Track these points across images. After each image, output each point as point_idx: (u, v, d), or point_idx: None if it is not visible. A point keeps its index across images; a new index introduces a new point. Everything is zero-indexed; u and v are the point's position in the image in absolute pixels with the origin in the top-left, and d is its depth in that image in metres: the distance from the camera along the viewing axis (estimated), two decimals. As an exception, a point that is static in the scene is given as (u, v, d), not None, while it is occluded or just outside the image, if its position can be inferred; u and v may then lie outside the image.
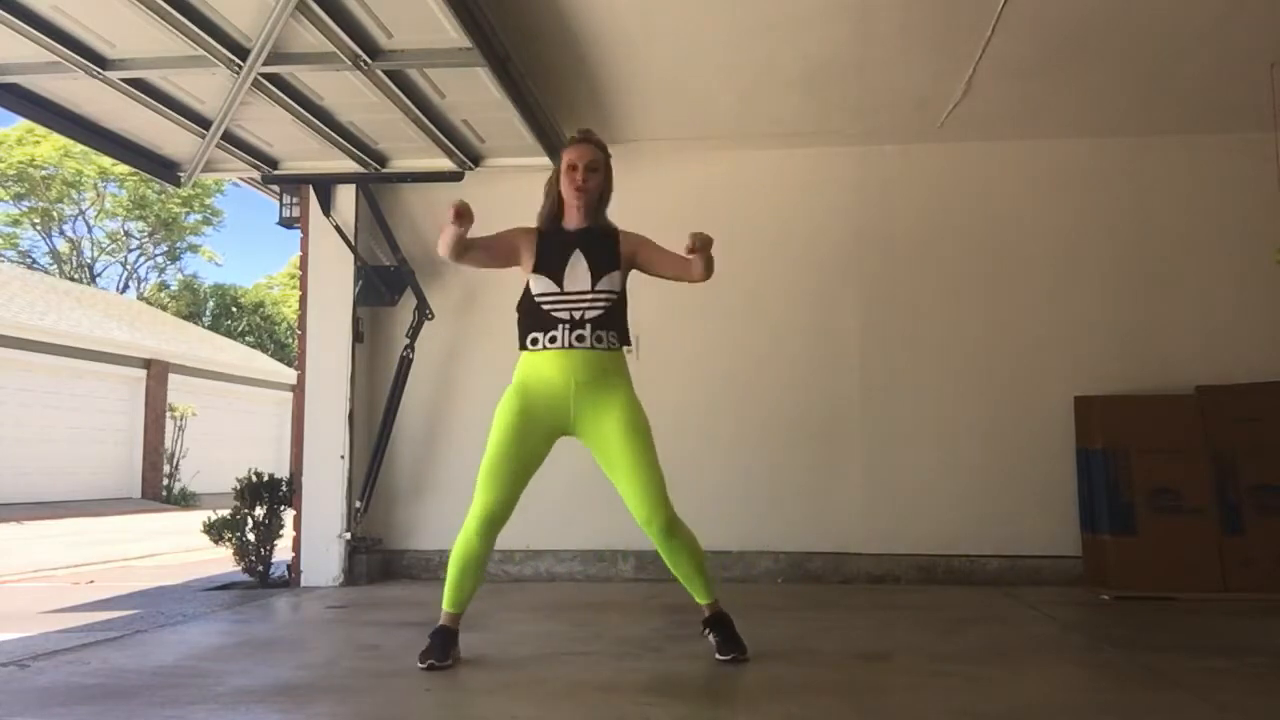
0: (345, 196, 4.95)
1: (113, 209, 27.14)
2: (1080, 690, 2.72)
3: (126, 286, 28.31)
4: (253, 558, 4.84)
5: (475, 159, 4.66)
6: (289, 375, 19.15)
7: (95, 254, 27.89)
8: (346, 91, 3.85)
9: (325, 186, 4.90)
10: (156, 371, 16.61)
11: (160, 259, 29.48)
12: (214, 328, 27.27)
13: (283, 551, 4.97)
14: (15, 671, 2.87)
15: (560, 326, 2.93)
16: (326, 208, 4.89)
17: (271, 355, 25.97)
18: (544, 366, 2.95)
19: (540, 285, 2.98)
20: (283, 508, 4.90)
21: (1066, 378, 4.81)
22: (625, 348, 3.04)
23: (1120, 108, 4.62)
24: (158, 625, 3.73)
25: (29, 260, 26.32)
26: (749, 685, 2.70)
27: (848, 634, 3.48)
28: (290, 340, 27.53)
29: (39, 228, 26.41)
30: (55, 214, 26.16)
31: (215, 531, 4.86)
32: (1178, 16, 3.76)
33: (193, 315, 28.25)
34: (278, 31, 3.32)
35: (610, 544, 4.92)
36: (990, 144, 4.98)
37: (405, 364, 4.96)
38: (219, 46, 3.39)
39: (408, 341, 4.97)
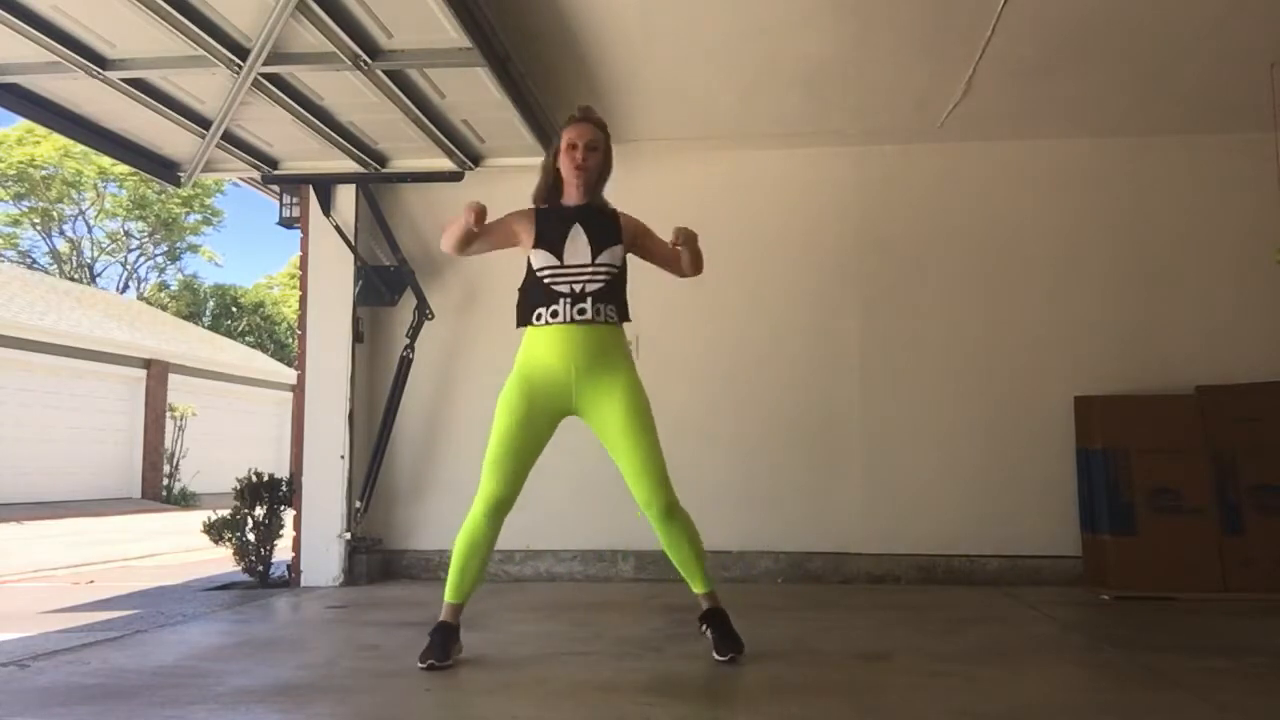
0: (345, 196, 4.95)
1: (113, 209, 27.15)
2: (1080, 690, 2.72)
3: (126, 286, 28.33)
4: (253, 558, 4.84)
5: (475, 159, 4.66)
6: (289, 375, 19.15)
7: (95, 254, 27.91)
8: (346, 91, 3.85)
9: (325, 186, 4.91)
10: (156, 371, 16.61)
11: (160, 259, 29.51)
12: (214, 328, 27.28)
13: (283, 551, 4.98)
14: (15, 671, 2.87)
15: (562, 300, 2.93)
16: (326, 208, 4.89)
17: (271, 355, 25.98)
18: (544, 349, 2.95)
19: (541, 259, 2.99)
20: (283, 508, 4.90)
21: (1066, 378, 4.81)
22: (625, 323, 3.05)
23: (1120, 108, 4.62)
24: (158, 625, 3.73)
25: (29, 260, 26.34)
26: (749, 685, 2.70)
27: (848, 634, 3.48)
28: (290, 340, 27.54)
29: (39, 228, 26.41)
30: (55, 214, 26.17)
31: (215, 531, 4.86)
32: (1178, 16, 3.76)
33: (193, 315, 28.26)
34: (278, 31, 3.32)
35: (610, 544, 4.92)
36: (990, 144, 4.98)
37: (405, 364, 4.96)
38: (219, 46, 3.39)
39: (408, 341, 4.97)
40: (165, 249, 29.13)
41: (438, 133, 4.26)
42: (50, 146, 23.22)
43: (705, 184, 5.09)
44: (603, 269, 2.97)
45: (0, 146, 23.72)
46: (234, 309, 30.02)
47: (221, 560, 5.58)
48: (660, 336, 4.82)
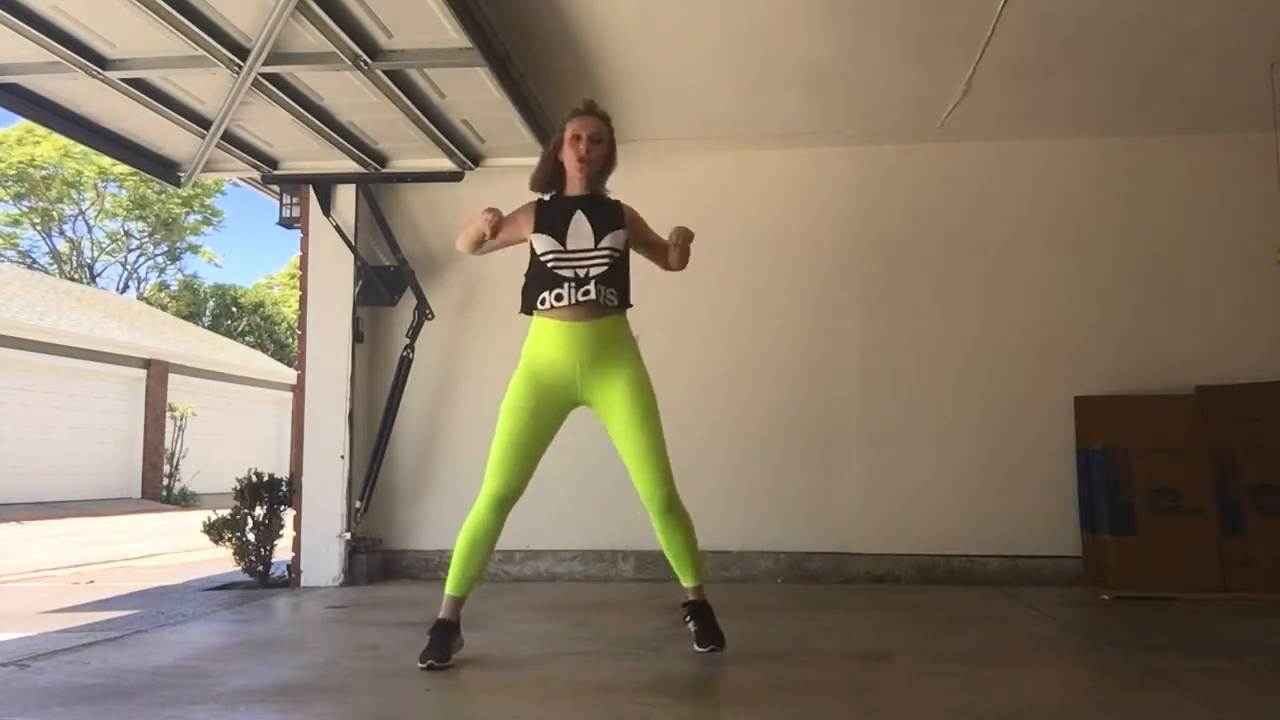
0: (345, 196, 4.95)
1: (113, 209, 27.15)
2: (1080, 690, 2.72)
3: (126, 286, 28.34)
4: (253, 558, 4.84)
5: (475, 159, 4.66)
6: (289, 375, 19.15)
7: (95, 254, 27.92)
8: (346, 91, 3.85)
9: (325, 186, 4.91)
10: (156, 371, 16.61)
11: (160, 259, 29.51)
12: (214, 328, 27.28)
13: (283, 551, 4.97)
14: (15, 671, 2.87)
15: (566, 284, 2.93)
16: (326, 208, 4.89)
17: (271, 355, 25.98)
18: (549, 344, 2.96)
19: (544, 244, 2.99)
20: (283, 508, 4.90)
21: (1066, 378, 4.81)
22: (628, 309, 3.06)
23: (1120, 108, 4.62)
24: (158, 625, 3.72)
25: (29, 260, 26.34)
26: (749, 685, 2.70)
27: (848, 634, 3.48)
28: (290, 340, 27.54)
29: (39, 228, 26.42)
30: (55, 214, 26.17)
31: (215, 531, 4.86)
32: (1178, 16, 3.76)
33: (193, 315, 28.26)
34: (278, 31, 3.33)
35: (610, 544, 4.92)
36: (990, 144, 4.98)
37: (405, 364, 4.96)
38: (219, 46, 3.39)
39: (408, 341, 4.97)
40: (165, 249, 29.14)
41: (438, 133, 4.26)
42: (50, 146, 23.22)
43: (705, 184, 5.09)
44: (605, 252, 2.98)
45: (0, 146, 23.71)
46: (234, 309, 30.03)
47: (221, 560, 5.58)
48: (661, 336, 4.78)
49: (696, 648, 3.00)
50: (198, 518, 5.73)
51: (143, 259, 28.92)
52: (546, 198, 3.13)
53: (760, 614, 3.89)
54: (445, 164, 4.63)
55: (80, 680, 2.75)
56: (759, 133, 4.96)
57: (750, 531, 4.87)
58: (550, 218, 3.04)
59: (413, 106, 3.97)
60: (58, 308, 16.29)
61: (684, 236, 3.02)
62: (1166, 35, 3.91)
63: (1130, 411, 4.59)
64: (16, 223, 25.97)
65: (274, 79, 3.72)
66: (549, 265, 2.97)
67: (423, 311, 4.97)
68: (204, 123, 4.10)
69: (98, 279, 27.62)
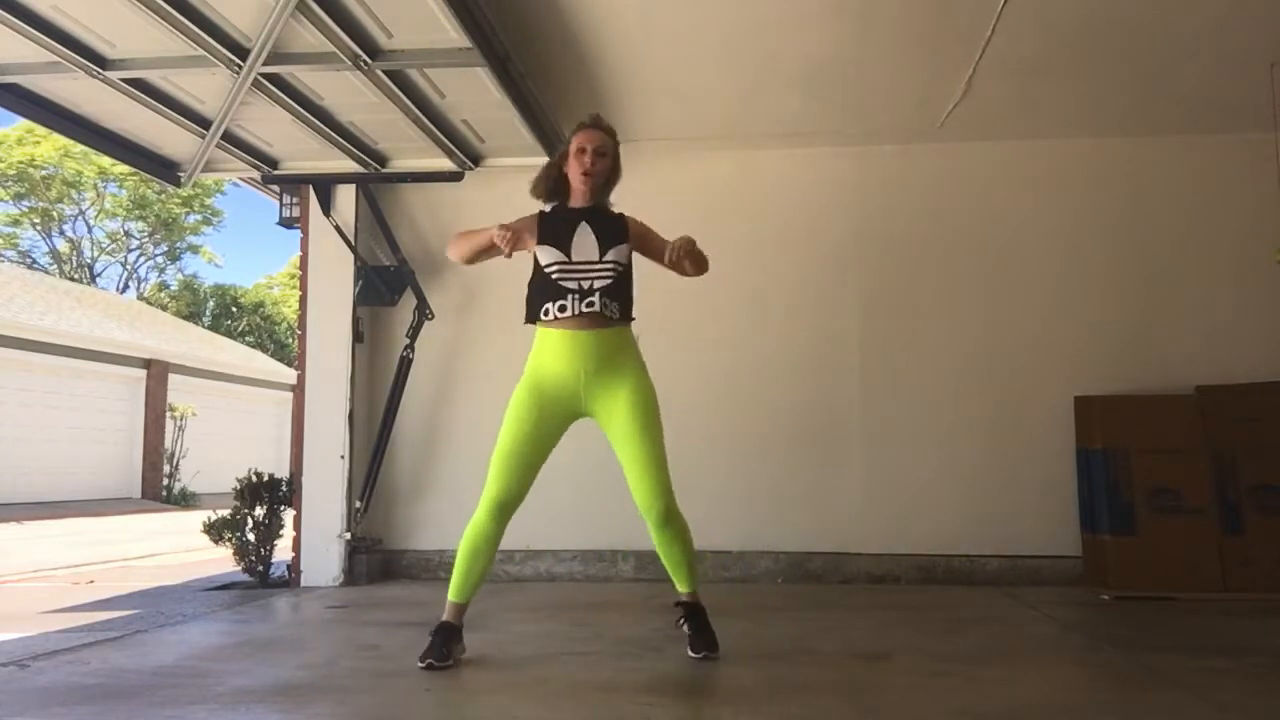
0: (345, 196, 4.95)
1: (113, 209, 27.16)
2: (1080, 690, 2.72)
3: (126, 286, 28.34)
4: (253, 558, 4.84)
5: (475, 159, 4.66)
6: (289, 375, 19.15)
7: (95, 254, 27.92)
8: (346, 91, 3.85)
9: (325, 186, 4.91)
10: (156, 371, 16.61)
11: (160, 259, 29.51)
12: (214, 328, 27.28)
13: (283, 551, 4.98)
14: (15, 671, 2.87)
15: (569, 296, 2.94)
16: (326, 208, 4.89)
17: (271, 355, 25.98)
18: (553, 355, 2.96)
19: (548, 256, 3.00)
20: (283, 508, 4.90)
21: (1066, 378, 4.81)
22: (632, 321, 3.06)
23: (1120, 108, 4.62)
24: (158, 625, 3.73)
25: (29, 260, 26.34)
26: (749, 685, 2.70)
27: (848, 634, 3.48)
28: (290, 340, 27.55)
29: (39, 228, 26.42)
30: (55, 214, 26.17)
31: (215, 531, 4.86)
32: (1178, 16, 3.76)
33: (193, 315, 28.26)
34: (278, 31, 3.32)
35: (610, 544, 4.92)
36: (990, 144, 4.98)
37: (405, 364, 4.96)
38: (219, 46, 3.39)
39: (408, 341, 4.97)
40: (165, 249, 29.14)
41: (438, 133, 4.26)
42: (50, 146, 23.22)
43: (705, 184, 5.09)
44: (609, 265, 2.98)
45: (0, 146, 23.71)
46: (234, 309, 30.03)
47: (221, 560, 5.58)
48: (661, 337, 4.78)
49: (690, 653, 3.00)
50: (198, 518, 5.73)
51: (143, 259, 28.95)
52: (548, 209, 3.13)
53: (760, 614, 3.89)
54: (445, 164, 4.62)
55: (80, 680, 2.75)
56: (759, 133, 4.96)
57: (750, 531, 4.87)
58: (554, 229, 3.04)
59: (413, 106, 3.97)
60: (58, 308, 16.30)
61: (680, 251, 2.97)
62: (1166, 35, 3.91)
63: (1130, 411, 4.59)
64: (16, 223, 25.98)
65: (274, 79, 3.72)
66: (553, 277, 2.97)
67: (423, 311, 4.97)
68: (204, 123, 4.10)
69: (98, 279, 27.65)
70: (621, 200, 3.22)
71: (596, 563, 4.95)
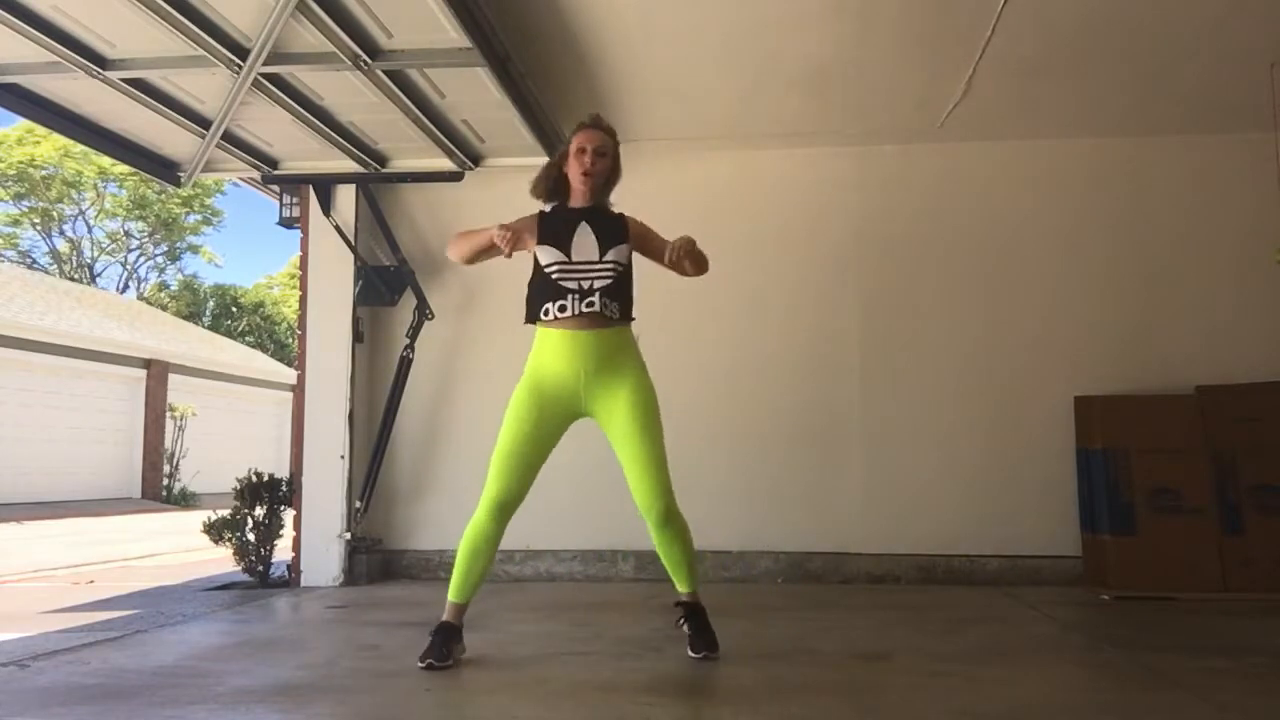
0: (345, 196, 4.95)
1: (113, 209, 27.16)
2: (1080, 690, 2.72)
3: (126, 286, 28.34)
4: (253, 558, 4.84)
5: (475, 159, 4.66)
6: (289, 375, 19.16)
7: (95, 254, 27.92)
8: (346, 91, 3.85)
9: (325, 186, 4.91)
10: (156, 371, 16.61)
11: (160, 259, 29.51)
12: (214, 328, 27.28)
13: (283, 551, 4.98)
14: (15, 671, 2.87)
15: (569, 296, 2.94)
16: (326, 208, 4.89)
17: (271, 355, 25.98)
18: (553, 354, 2.96)
19: (548, 256, 3.00)
20: (283, 508, 4.90)
21: (1066, 378, 4.81)
22: (631, 321, 3.06)
23: (1120, 108, 4.62)
24: (158, 625, 3.73)
25: (29, 260, 26.34)
26: (749, 685, 2.70)
27: (848, 634, 3.48)
28: (290, 340, 27.55)
29: (39, 228, 26.42)
30: (55, 214, 26.17)
31: (215, 531, 4.86)
32: (1178, 16, 3.76)
33: (193, 315, 28.26)
34: (278, 31, 3.32)
35: (610, 544, 4.92)
36: (990, 144, 4.98)
37: (405, 364, 4.96)
38: (219, 46, 3.39)
39: (408, 341, 4.97)
40: (165, 249, 29.14)
41: (438, 133, 4.26)
42: (50, 146, 23.22)
43: (705, 184, 5.09)
44: (609, 265, 2.98)
45: (0, 146, 23.71)
46: (234, 309, 30.03)
47: (221, 560, 5.58)
48: (661, 337, 4.78)
49: (690, 653, 3.00)
50: (198, 518, 5.73)
51: (143, 259, 28.95)
52: (548, 209, 3.13)
53: (760, 614, 3.89)
54: (445, 164, 4.62)
55: (80, 680, 2.75)
56: (759, 133, 4.96)
57: (750, 531, 4.87)
58: (554, 229, 3.04)
59: (413, 106, 3.97)
60: (58, 308, 16.30)
61: (680, 251, 2.96)
62: (1166, 35, 3.91)
63: (1130, 411, 4.59)
64: (16, 223, 25.98)
65: (274, 79, 3.72)
66: (553, 276, 2.97)
67: (423, 311, 4.97)
68: (204, 123, 4.10)
69: (98, 279, 27.65)
70: (621, 200, 3.22)
71: (596, 563, 4.95)
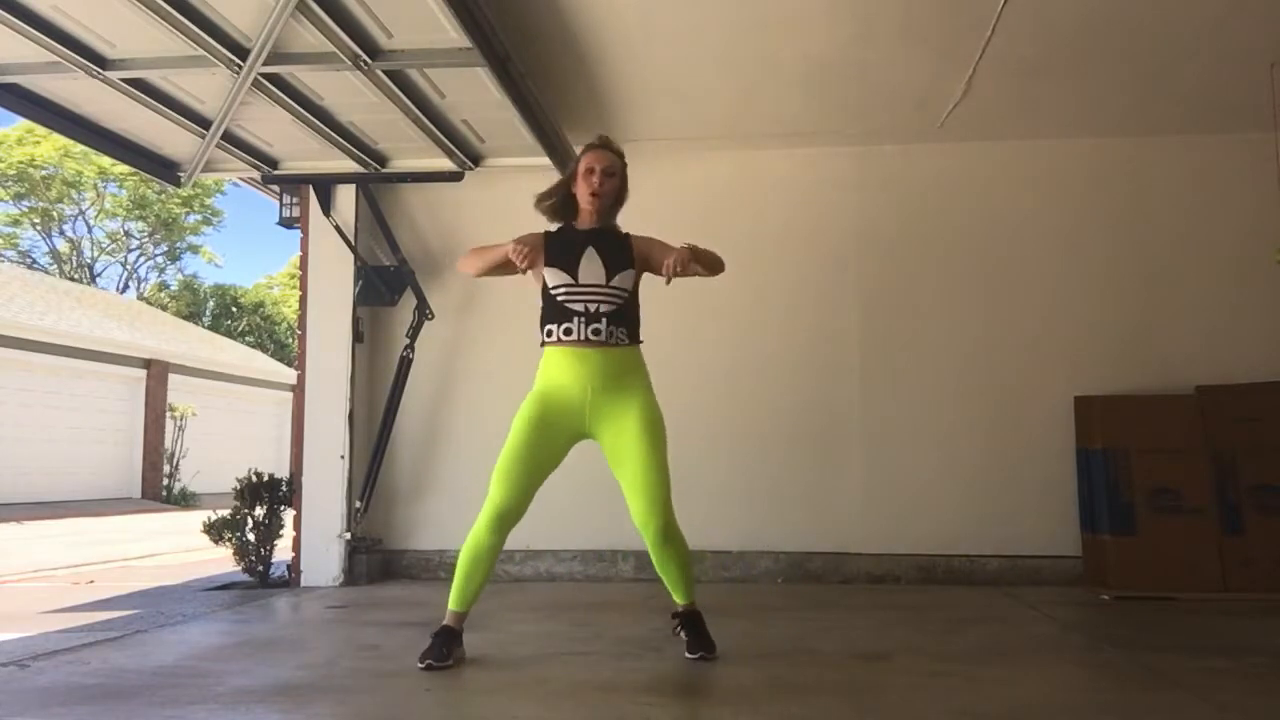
0: (345, 196, 4.95)
1: (113, 209, 27.15)
2: (1080, 690, 2.72)
3: (126, 286, 28.33)
4: (253, 558, 4.84)
5: (475, 159, 4.66)
6: (289, 375, 19.16)
7: (95, 254, 27.91)
8: (346, 91, 3.85)
9: (325, 186, 4.91)
10: (156, 371, 16.61)
11: (160, 259, 29.51)
12: (214, 328, 27.28)
13: (283, 551, 4.97)
14: (15, 671, 2.87)
15: (576, 319, 2.95)
16: (326, 208, 4.89)
17: (271, 355, 25.98)
18: (560, 371, 2.97)
19: (555, 278, 3.01)
20: (283, 508, 4.90)
21: (1066, 378, 4.81)
22: (639, 344, 3.06)
23: (1120, 108, 4.62)
24: (158, 625, 3.73)
25: (29, 260, 26.33)
26: (749, 685, 2.70)
27: (848, 634, 3.48)
28: (290, 340, 27.55)
29: (39, 228, 26.42)
30: (55, 214, 26.17)
31: (215, 531, 4.86)
32: (1178, 16, 3.76)
33: (193, 315, 28.26)
34: (278, 31, 3.32)
35: (610, 544, 4.92)
36: (990, 144, 4.98)
37: (405, 364, 4.96)
38: (219, 46, 3.39)
39: (408, 341, 4.97)
40: (165, 249, 29.13)
41: (438, 133, 4.26)
42: (50, 146, 23.21)
43: (705, 184, 5.09)
44: (616, 290, 2.99)
45: (0, 146, 23.71)
46: (234, 309, 30.02)
47: (221, 560, 5.58)
48: (661, 337, 4.77)
49: (688, 655, 3.01)
50: (198, 518, 5.73)
51: (143, 259, 28.94)
52: (554, 229, 3.13)
53: (760, 614, 3.89)
54: (445, 164, 4.62)
55: (80, 680, 2.75)
56: (759, 133, 4.96)
57: (750, 531, 4.87)
58: (562, 251, 3.04)
59: (413, 106, 3.97)
60: (58, 308, 16.29)
61: (678, 266, 2.88)
62: (1166, 35, 3.91)
63: (1130, 411, 4.59)
64: (16, 223, 25.97)
65: (274, 79, 3.72)
66: (559, 299, 2.98)
67: (423, 311, 4.97)
68: (204, 123, 4.10)
69: (98, 279, 27.64)
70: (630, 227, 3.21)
71: (596, 563, 4.95)
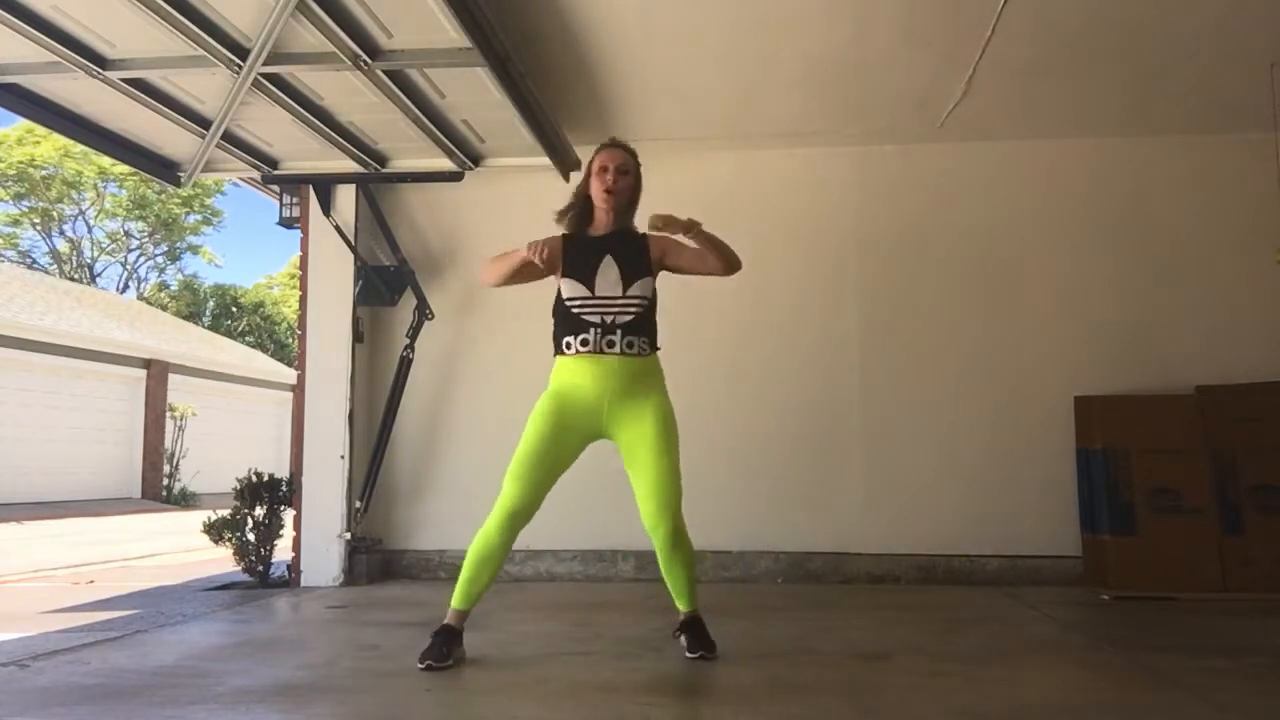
0: (345, 196, 4.95)
1: (113, 209, 27.15)
2: (1080, 690, 2.72)
3: (126, 286, 28.33)
4: (253, 558, 4.84)
5: (475, 159, 4.65)
6: (289, 375, 19.15)
7: (95, 254, 27.91)
8: (346, 91, 3.85)
9: (325, 186, 4.91)
10: (156, 371, 16.61)
11: (160, 259, 29.51)
12: (214, 328, 27.28)
13: (283, 551, 4.97)
14: (15, 671, 2.87)
15: (592, 330, 2.95)
16: (326, 208, 4.89)
17: (271, 355, 25.98)
18: (579, 375, 2.97)
19: (571, 289, 3.00)
20: (283, 508, 4.90)
21: (1066, 377, 4.81)
22: (656, 351, 3.06)
23: (1120, 108, 4.62)
24: (158, 625, 3.72)
25: (29, 260, 26.34)
26: (749, 685, 2.70)
27: (848, 634, 3.48)
28: (290, 340, 27.55)
29: (39, 228, 26.42)
30: (55, 214, 26.17)
31: (215, 531, 4.86)
32: (1178, 16, 3.76)
33: (193, 315, 28.26)
34: (278, 31, 3.32)
35: (610, 544, 4.92)
36: (990, 144, 4.98)
37: (405, 364, 4.96)
38: (219, 46, 3.39)
39: (408, 341, 4.97)
40: (165, 249, 29.14)
41: (438, 133, 4.26)
42: (50, 146, 23.21)
43: (705, 184, 5.08)
44: (634, 301, 2.99)
45: (0, 146, 23.71)
46: (234, 309, 30.02)
47: (221, 560, 5.58)
48: (662, 338, 4.80)
49: (688, 654, 3.01)
50: (198, 518, 5.73)
51: (143, 259, 28.95)
52: (571, 235, 3.12)
53: (760, 614, 3.89)
54: (445, 164, 4.62)
55: (80, 680, 2.75)
56: (759, 133, 4.96)
57: (750, 531, 4.87)
58: (577, 261, 3.03)
59: (413, 106, 3.97)
60: (58, 308, 16.29)
61: (668, 221, 2.89)
62: (1166, 35, 3.91)
63: (1130, 411, 4.59)
64: (16, 223, 25.97)
65: (274, 79, 3.72)
66: (575, 311, 2.98)
67: (423, 311, 4.97)
68: (204, 123, 4.10)
69: (98, 279, 27.64)
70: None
71: (596, 563, 4.95)
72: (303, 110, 3.99)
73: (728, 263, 3.06)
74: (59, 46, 3.34)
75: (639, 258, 3.05)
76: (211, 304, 30.17)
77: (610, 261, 3.01)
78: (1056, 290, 4.91)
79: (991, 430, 4.85)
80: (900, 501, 4.85)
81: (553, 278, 3.08)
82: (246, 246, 43.47)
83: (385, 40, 3.49)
